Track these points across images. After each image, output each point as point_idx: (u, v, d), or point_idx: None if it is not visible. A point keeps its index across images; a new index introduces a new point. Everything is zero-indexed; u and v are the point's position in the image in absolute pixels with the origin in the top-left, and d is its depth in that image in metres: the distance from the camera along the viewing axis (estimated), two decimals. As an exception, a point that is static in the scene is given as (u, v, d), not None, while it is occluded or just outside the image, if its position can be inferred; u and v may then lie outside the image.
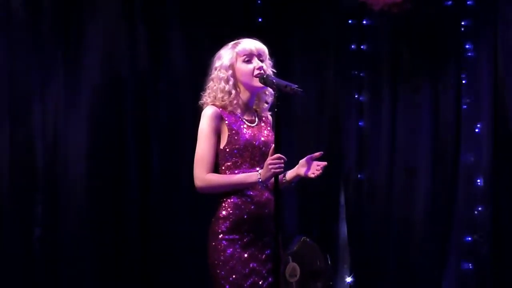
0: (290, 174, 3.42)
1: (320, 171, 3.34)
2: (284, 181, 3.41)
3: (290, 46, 5.66)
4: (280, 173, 3.23)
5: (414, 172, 5.63)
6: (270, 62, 3.50)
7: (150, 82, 5.26)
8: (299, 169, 3.39)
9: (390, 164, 5.68)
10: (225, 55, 3.46)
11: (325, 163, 3.34)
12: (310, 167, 3.36)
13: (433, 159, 5.62)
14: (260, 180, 3.27)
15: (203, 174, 3.35)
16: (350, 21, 5.78)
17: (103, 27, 5.10)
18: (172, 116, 5.30)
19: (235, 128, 3.41)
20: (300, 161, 3.39)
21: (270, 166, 3.23)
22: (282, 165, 3.23)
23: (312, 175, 3.34)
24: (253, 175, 3.32)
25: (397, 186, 5.67)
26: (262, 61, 3.43)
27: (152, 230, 5.17)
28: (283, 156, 3.23)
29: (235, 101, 3.43)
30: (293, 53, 5.69)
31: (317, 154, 3.36)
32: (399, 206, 5.66)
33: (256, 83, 3.40)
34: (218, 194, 3.42)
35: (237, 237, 3.36)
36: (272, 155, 3.25)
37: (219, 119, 3.39)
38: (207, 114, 3.39)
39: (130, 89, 5.18)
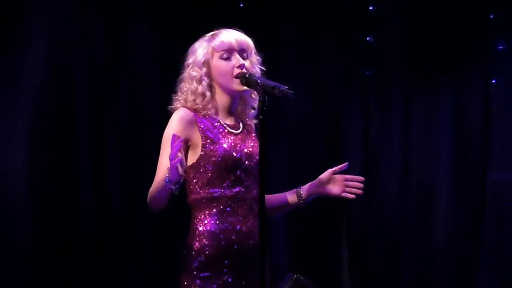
0: (308, 191, 3.27)
1: (360, 191, 3.24)
2: (300, 200, 3.28)
3: (280, 38, 5.33)
4: (180, 162, 2.88)
5: (432, 191, 5.47)
6: (258, 58, 3.28)
7: (107, 78, 4.89)
8: (325, 187, 3.27)
9: (403, 181, 5.48)
10: (200, 50, 3.23)
11: (362, 178, 3.28)
12: (336, 184, 3.28)
13: (455, 175, 5.46)
14: (167, 179, 2.94)
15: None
16: (354, 8, 5.46)
17: (49, 10, 4.71)
18: (134, 118, 4.97)
19: (210, 136, 3.15)
20: (322, 176, 3.28)
21: (170, 159, 2.87)
22: (179, 146, 2.87)
23: (350, 196, 3.24)
24: (162, 174, 3.01)
25: (412, 208, 5.48)
26: (245, 57, 3.21)
27: (110, 251, 4.86)
28: (179, 135, 2.94)
29: (209, 105, 3.20)
30: (285, 47, 5.36)
31: (342, 165, 3.28)
32: (414, 231, 5.47)
33: (236, 85, 3.17)
34: (192, 218, 3.15)
35: (214, 275, 3.11)
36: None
37: (190, 124, 3.14)
38: (176, 117, 3.14)
39: (82, 85, 4.79)
